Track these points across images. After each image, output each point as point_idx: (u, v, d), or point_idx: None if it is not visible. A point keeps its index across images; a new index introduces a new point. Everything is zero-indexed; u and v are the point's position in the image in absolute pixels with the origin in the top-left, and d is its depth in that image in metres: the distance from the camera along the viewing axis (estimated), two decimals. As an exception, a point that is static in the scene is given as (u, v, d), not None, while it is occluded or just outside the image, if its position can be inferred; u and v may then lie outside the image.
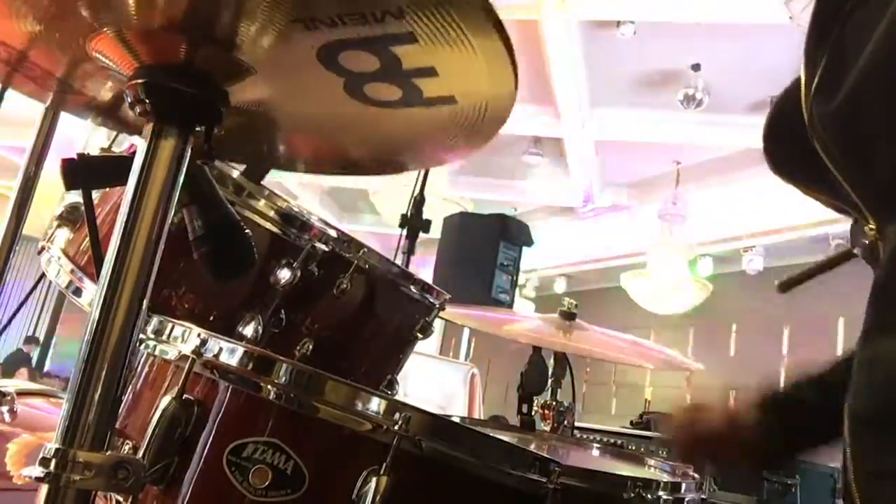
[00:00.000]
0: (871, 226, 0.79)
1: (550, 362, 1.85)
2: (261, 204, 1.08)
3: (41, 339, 9.28)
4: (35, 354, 8.85)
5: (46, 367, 8.81)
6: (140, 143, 0.70)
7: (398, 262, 2.30)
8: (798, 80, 0.80)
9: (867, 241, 0.82)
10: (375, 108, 0.74)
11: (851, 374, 0.74)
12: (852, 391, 0.73)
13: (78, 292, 1.12)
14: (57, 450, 0.62)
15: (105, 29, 0.67)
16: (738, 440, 1.08)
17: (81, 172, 0.84)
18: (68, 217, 1.21)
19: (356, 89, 0.71)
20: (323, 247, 1.12)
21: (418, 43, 0.62)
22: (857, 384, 0.72)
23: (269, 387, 0.78)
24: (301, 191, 8.10)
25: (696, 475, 1.22)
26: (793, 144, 0.83)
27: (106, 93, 0.83)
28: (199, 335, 0.83)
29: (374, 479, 0.74)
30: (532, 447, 1.22)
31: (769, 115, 0.92)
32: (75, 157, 0.83)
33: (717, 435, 1.10)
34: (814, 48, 0.76)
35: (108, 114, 0.89)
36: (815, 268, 1.06)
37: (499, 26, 0.60)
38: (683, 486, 1.05)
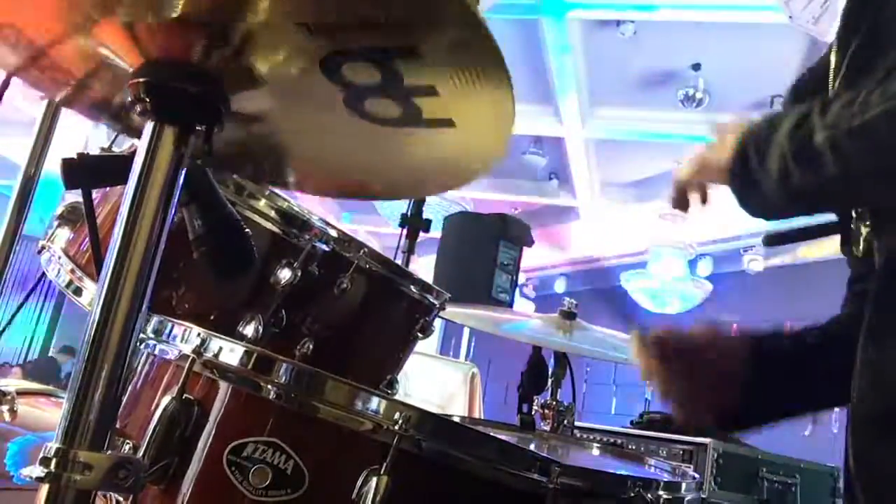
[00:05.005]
0: (867, 223, 0.79)
1: (551, 362, 1.86)
2: (261, 203, 1.08)
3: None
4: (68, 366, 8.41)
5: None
6: (140, 143, 0.70)
7: (398, 261, 2.30)
8: (820, 62, 0.80)
9: (861, 238, 0.82)
10: (374, 126, 0.74)
11: (853, 374, 0.74)
12: (856, 394, 0.73)
13: (78, 292, 1.12)
14: (57, 449, 0.62)
15: (117, 17, 0.66)
16: (716, 359, 0.99)
17: (81, 172, 0.84)
18: (69, 217, 1.21)
19: (356, 103, 0.71)
20: (323, 246, 1.12)
21: (422, 59, 0.62)
22: (861, 386, 0.72)
23: (269, 386, 0.78)
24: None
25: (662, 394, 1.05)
26: None
27: (116, 95, 0.83)
28: (198, 335, 0.83)
29: (374, 479, 0.74)
30: (532, 447, 1.22)
31: (790, 92, 0.92)
32: (75, 156, 0.83)
33: (697, 347, 1.00)
34: (845, 34, 0.76)
35: (116, 116, 0.89)
36: (802, 230, 1.04)
37: (499, 56, 0.61)
38: (683, 485, 1.05)
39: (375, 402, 0.77)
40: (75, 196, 1.19)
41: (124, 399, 0.88)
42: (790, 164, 0.72)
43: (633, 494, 0.90)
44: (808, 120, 0.71)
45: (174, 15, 0.64)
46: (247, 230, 0.86)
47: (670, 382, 1.02)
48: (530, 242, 4.78)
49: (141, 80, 0.68)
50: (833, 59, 0.77)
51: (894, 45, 0.70)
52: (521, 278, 6.54)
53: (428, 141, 0.77)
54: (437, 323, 1.40)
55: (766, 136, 0.75)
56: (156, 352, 0.90)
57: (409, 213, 2.67)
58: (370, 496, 0.73)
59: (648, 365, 1.02)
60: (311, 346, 1.15)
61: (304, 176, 1.00)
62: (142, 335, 0.89)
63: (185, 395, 0.80)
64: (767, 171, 0.74)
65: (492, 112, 0.70)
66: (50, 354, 8.45)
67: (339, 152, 0.88)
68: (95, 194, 1.14)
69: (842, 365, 0.79)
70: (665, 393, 1.03)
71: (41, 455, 0.63)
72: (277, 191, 1.12)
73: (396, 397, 1.17)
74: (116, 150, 1.12)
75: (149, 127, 0.69)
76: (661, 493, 0.95)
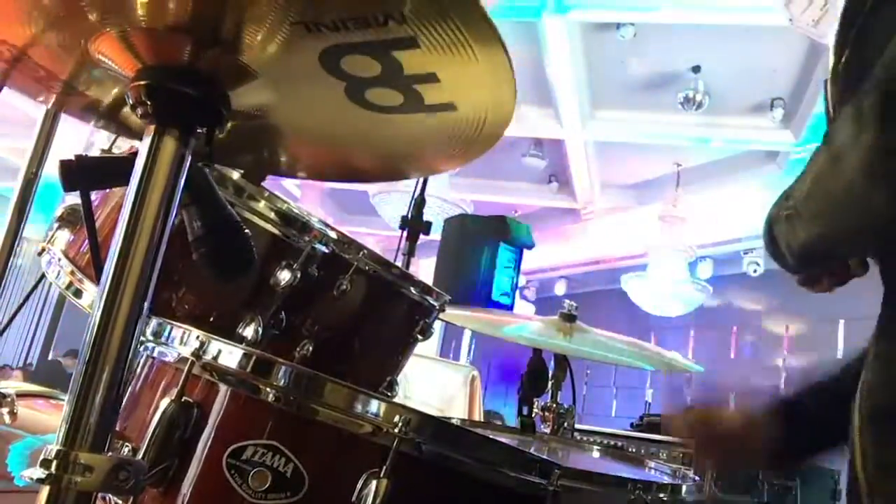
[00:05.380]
0: None
1: (551, 364, 1.85)
2: (261, 205, 1.08)
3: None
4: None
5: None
6: (141, 146, 0.70)
7: (398, 263, 2.30)
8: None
9: None
10: (377, 114, 0.74)
11: (863, 371, 0.74)
12: (867, 388, 0.73)
13: (78, 294, 1.12)
14: (58, 451, 0.63)
15: (110, 29, 0.67)
16: (748, 442, 1.08)
17: (80, 174, 0.84)
18: (69, 219, 1.21)
19: (358, 94, 0.71)
20: (323, 248, 1.12)
21: (420, 48, 0.62)
22: (871, 380, 0.73)
23: (268, 389, 0.78)
24: (301, 192, 8.10)
25: (697, 475, 1.20)
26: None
27: (109, 95, 0.83)
28: (198, 337, 0.83)
29: (374, 482, 0.73)
30: (532, 449, 1.22)
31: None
32: (73, 158, 0.83)
33: (729, 435, 1.10)
34: (840, 37, 0.77)
35: (111, 117, 0.89)
36: None
37: (497, 36, 0.61)
38: (684, 488, 1.04)
39: (375, 405, 0.77)
40: (75, 198, 1.19)
41: (124, 401, 0.88)
42: (786, 234, 0.79)
43: (633, 497, 0.90)
44: (793, 188, 0.79)
45: (169, 19, 0.64)
46: (246, 232, 0.86)
47: (710, 458, 1.17)
48: (531, 244, 4.78)
49: (141, 83, 0.68)
50: (830, 60, 0.78)
51: (880, 52, 0.71)
52: (522, 280, 6.54)
53: (430, 123, 0.77)
54: (437, 325, 1.40)
55: (780, 205, 0.82)
56: (155, 354, 0.90)
57: (409, 216, 2.67)
58: (370, 499, 0.73)
59: (691, 443, 1.16)
60: (310, 348, 1.15)
61: (305, 161, 1.00)
62: (141, 337, 0.89)
63: (184, 398, 0.80)
64: (780, 241, 0.81)
65: (492, 91, 0.70)
66: (55, 358, 8.36)
67: (341, 138, 0.88)
68: (95, 196, 1.14)
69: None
70: (704, 466, 1.21)
71: (42, 457, 0.63)
72: (277, 192, 1.12)
73: (396, 400, 1.17)
74: (116, 151, 1.12)
75: (150, 129, 0.69)
76: (661, 495, 0.95)
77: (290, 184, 7.58)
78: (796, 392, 1.10)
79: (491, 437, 0.86)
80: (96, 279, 0.88)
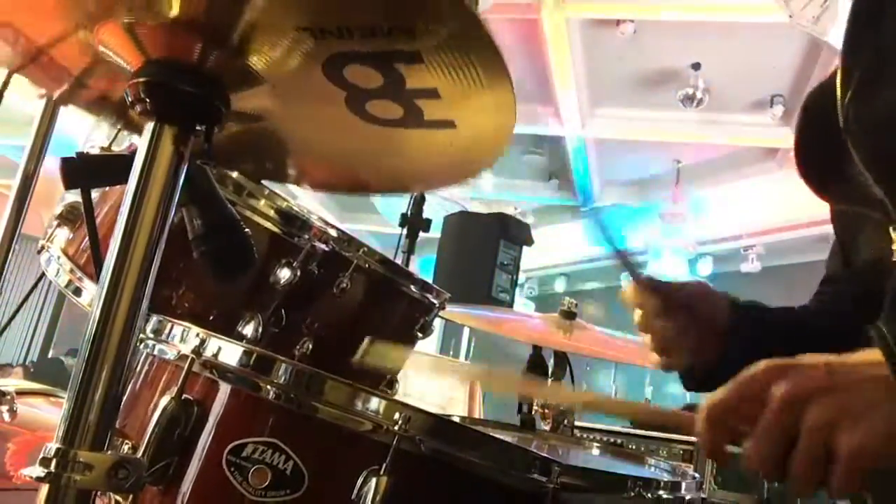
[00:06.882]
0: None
1: (550, 362, 1.86)
2: (261, 203, 1.08)
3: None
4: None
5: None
6: (140, 143, 0.70)
7: (398, 261, 2.30)
8: (832, 78, 0.79)
9: (892, 246, 0.82)
10: (376, 127, 0.74)
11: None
12: None
13: (78, 292, 1.12)
14: (57, 449, 0.62)
15: (117, 18, 0.66)
16: (698, 307, 1.06)
17: (81, 172, 0.84)
18: (68, 216, 1.21)
19: (358, 105, 0.71)
20: (323, 246, 1.12)
21: (424, 63, 0.62)
22: None
23: (268, 387, 0.78)
24: (301, 190, 8.09)
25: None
26: (824, 145, 0.82)
27: (117, 91, 0.83)
28: (198, 335, 0.83)
29: (373, 480, 0.73)
30: (532, 446, 1.22)
31: (800, 117, 0.91)
32: (75, 155, 0.83)
33: (683, 297, 1.07)
34: (853, 46, 0.75)
35: (118, 112, 0.89)
36: None
37: (503, 66, 0.61)
38: (683, 485, 1.04)
39: (375, 403, 0.77)
40: (75, 195, 1.19)
41: (124, 399, 0.88)
42: None
43: (633, 494, 0.90)
44: None
45: (175, 15, 0.64)
46: (246, 230, 0.86)
47: (661, 330, 1.07)
48: (530, 242, 4.78)
49: (141, 79, 0.68)
50: (840, 73, 0.76)
51: None
52: (521, 278, 6.54)
53: (429, 140, 0.77)
54: (437, 322, 1.40)
55: None
56: (155, 352, 0.90)
57: (409, 213, 2.67)
58: (370, 496, 0.73)
59: (644, 312, 1.08)
60: (310, 346, 1.15)
61: (305, 172, 1.00)
62: (141, 335, 0.89)
63: (184, 396, 0.80)
64: None
65: (493, 113, 0.70)
66: (57, 356, 8.33)
67: (340, 149, 0.88)
68: (94, 194, 1.14)
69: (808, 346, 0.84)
70: (654, 341, 1.09)
71: (41, 455, 0.63)
72: (277, 190, 1.12)
73: (396, 397, 1.17)
74: (116, 149, 1.12)
75: (149, 127, 0.69)
76: (661, 492, 0.95)
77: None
78: (756, 305, 1.13)
79: (491, 434, 0.86)
80: (97, 277, 0.88)
